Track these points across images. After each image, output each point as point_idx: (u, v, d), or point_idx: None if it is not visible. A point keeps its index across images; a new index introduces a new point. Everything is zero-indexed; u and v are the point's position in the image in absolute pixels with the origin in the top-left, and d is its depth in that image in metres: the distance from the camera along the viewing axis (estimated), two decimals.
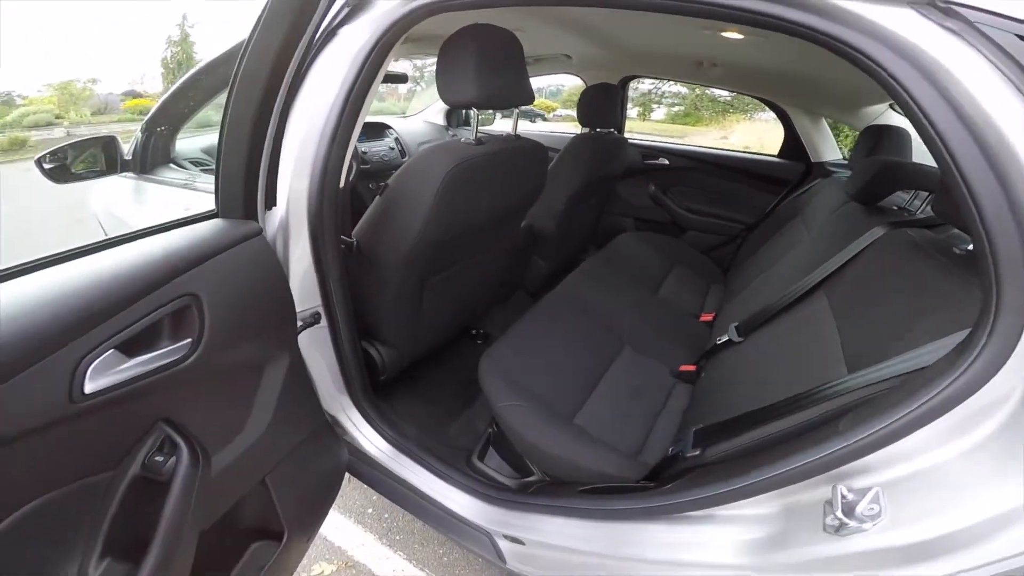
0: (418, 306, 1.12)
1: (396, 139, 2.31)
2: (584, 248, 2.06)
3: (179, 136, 1.57)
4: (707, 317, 1.53)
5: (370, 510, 1.56)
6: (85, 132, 13.61)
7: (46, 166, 1.34)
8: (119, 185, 1.54)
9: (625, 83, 2.16)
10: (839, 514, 0.58)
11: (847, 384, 0.66)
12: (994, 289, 0.47)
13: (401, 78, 2.22)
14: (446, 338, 1.39)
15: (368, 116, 0.92)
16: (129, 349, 0.53)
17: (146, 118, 1.50)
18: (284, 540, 0.87)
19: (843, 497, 0.59)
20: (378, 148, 2.19)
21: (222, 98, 1.54)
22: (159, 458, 0.61)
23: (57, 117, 15.17)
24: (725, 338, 1.17)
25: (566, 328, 1.24)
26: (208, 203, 1.11)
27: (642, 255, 1.75)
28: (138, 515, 0.62)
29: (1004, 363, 0.49)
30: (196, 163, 1.61)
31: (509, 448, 1.09)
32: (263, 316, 0.72)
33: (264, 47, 0.64)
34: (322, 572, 1.35)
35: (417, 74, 2.94)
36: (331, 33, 0.76)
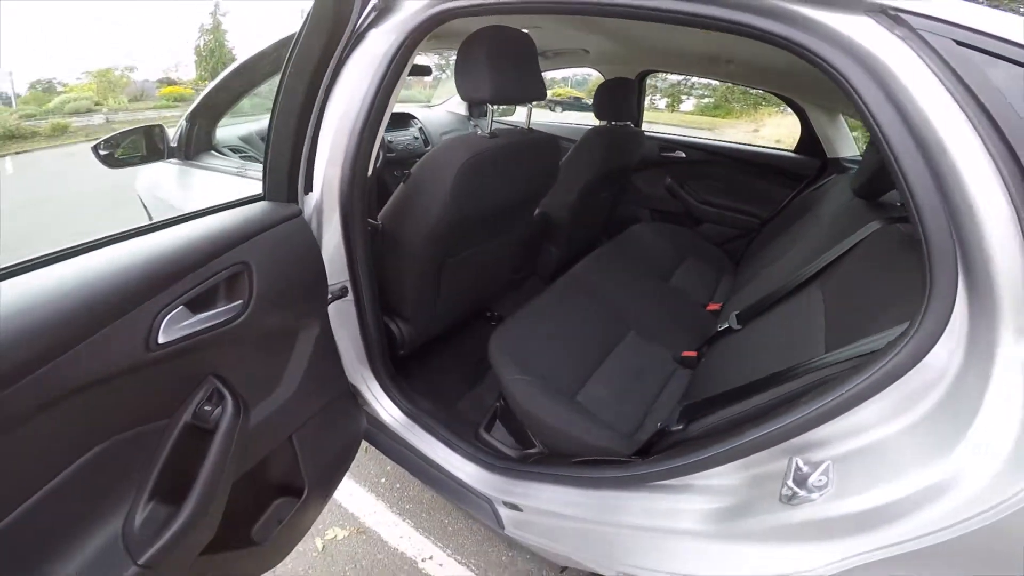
0: (436, 286, 1.22)
1: (420, 129, 2.42)
2: (598, 237, 2.12)
3: (219, 125, 1.70)
4: (714, 307, 1.58)
5: (383, 480, 1.69)
6: (123, 118, 14.21)
7: (101, 152, 1.47)
8: (163, 169, 1.68)
9: (642, 77, 2.20)
10: (790, 483, 0.63)
11: (816, 363, 0.71)
12: (928, 275, 0.53)
13: (425, 70, 2.32)
14: (461, 318, 1.48)
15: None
16: (194, 307, 0.64)
17: (190, 109, 1.63)
18: (304, 496, 0.95)
19: (798, 469, 0.63)
20: (403, 137, 2.31)
21: (258, 90, 1.66)
22: (207, 407, 0.71)
23: (96, 104, 15.82)
24: (726, 326, 1.23)
25: (573, 311, 1.31)
26: (244, 186, 1.24)
27: (654, 245, 1.80)
28: (184, 461, 0.71)
29: (935, 343, 0.54)
30: (234, 150, 1.74)
31: (514, 421, 1.18)
32: (300, 286, 0.83)
33: (307, 52, 0.74)
34: (335, 536, 1.48)
35: (443, 62, 3.03)
36: (360, 36, 0.85)
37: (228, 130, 1.78)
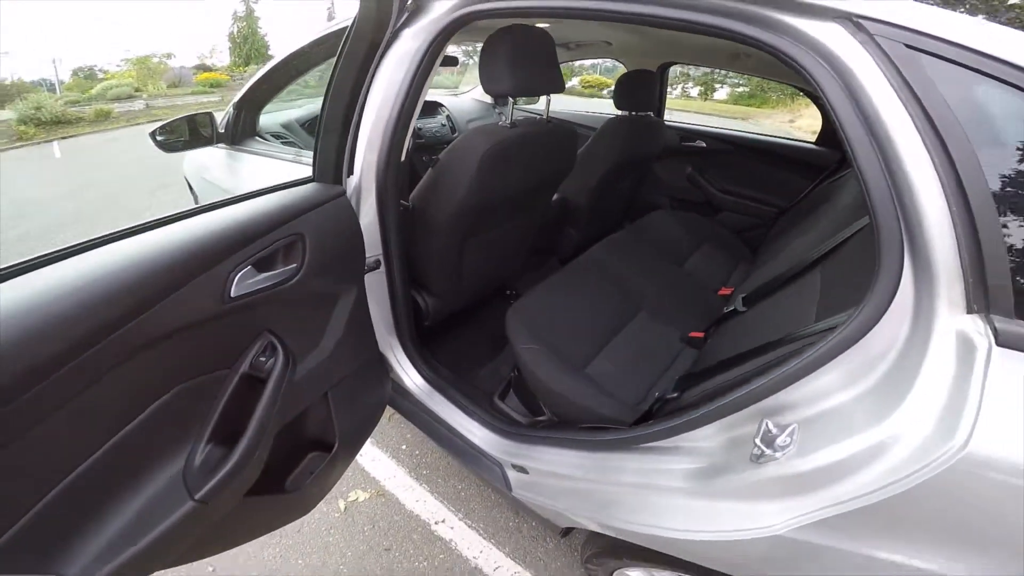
0: (459, 262, 1.33)
1: (447, 116, 2.54)
2: (618, 223, 2.18)
3: (262, 112, 1.85)
4: (726, 291, 1.63)
5: (404, 446, 1.82)
6: (162, 104, 14.72)
7: (158, 138, 1.63)
8: (210, 154, 1.84)
9: (664, 69, 2.24)
10: (758, 442, 0.69)
11: (798, 334, 0.78)
12: (878, 254, 0.59)
13: (452, 61, 2.43)
14: (482, 294, 1.59)
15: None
16: (259, 267, 0.78)
17: (236, 98, 1.78)
18: (334, 451, 1.05)
19: (767, 431, 0.69)
20: (431, 124, 2.44)
21: (297, 82, 1.79)
22: (262, 359, 0.83)
23: (136, 90, 16.36)
24: (732, 308, 1.30)
25: (587, 290, 1.40)
26: (288, 169, 1.38)
27: (671, 231, 1.85)
28: (239, 408, 0.81)
29: (881, 317, 0.59)
30: (276, 135, 1.89)
31: (526, 391, 1.29)
32: (342, 256, 0.96)
33: (352, 57, 0.87)
34: (357, 498, 1.62)
35: (471, 48, 3.13)
36: (395, 36, 0.95)
37: (270, 117, 1.93)
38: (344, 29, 0.90)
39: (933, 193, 0.53)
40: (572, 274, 1.45)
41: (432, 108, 2.53)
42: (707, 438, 0.80)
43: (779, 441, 0.68)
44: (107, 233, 0.71)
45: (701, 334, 1.36)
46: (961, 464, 0.52)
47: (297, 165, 1.48)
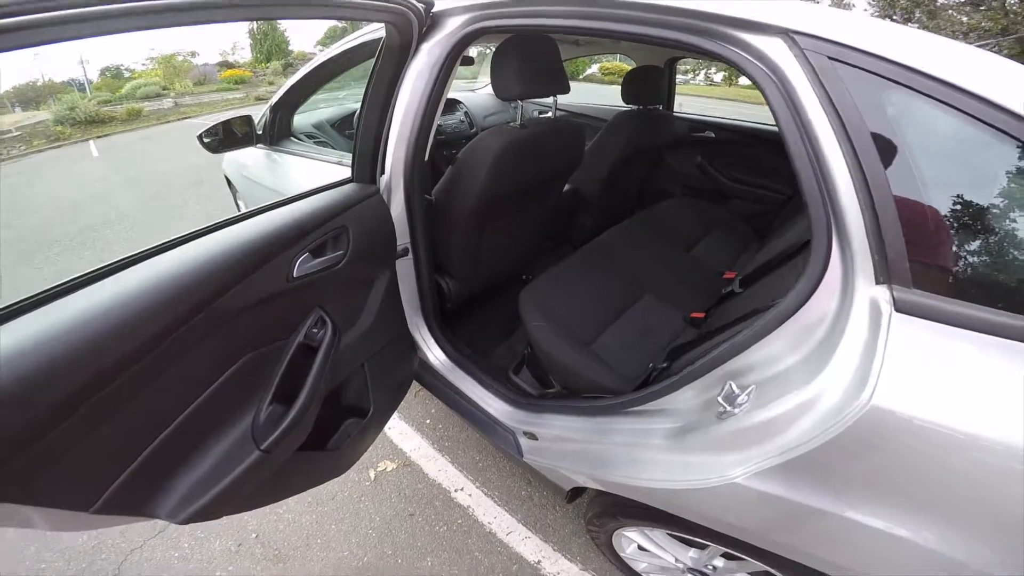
0: (478, 249, 1.48)
1: (465, 112, 2.69)
2: (630, 211, 2.28)
3: (296, 112, 2.03)
4: (730, 275, 1.69)
5: (428, 421, 2.00)
6: (189, 102, 15.20)
7: (205, 140, 1.81)
8: (248, 153, 2.03)
9: (672, 64, 2.32)
10: (721, 400, 0.78)
11: (764, 307, 0.86)
12: (812, 237, 0.67)
13: (468, 61, 2.58)
14: (500, 277, 1.73)
15: None
16: (314, 253, 0.95)
17: (271, 101, 1.96)
18: (369, 416, 1.18)
19: (730, 391, 0.77)
20: (451, 121, 2.60)
21: (328, 86, 1.96)
22: (315, 330, 0.99)
23: (164, 89, 16.94)
24: (730, 289, 1.40)
25: (595, 273, 1.52)
26: (324, 168, 1.56)
27: (680, 218, 1.94)
28: (295, 373, 0.94)
29: (814, 291, 0.68)
30: (309, 136, 2.08)
31: (538, 366, 1.43)
32: (377, 244, 1.13)
33: (382, 75, 1.04)
34: (385, 468, 1.80)
35: (487, 50, 3.26)
36: (416, 50, 1.09)
37: (302, 117, 2.12)
38: (368, 42, 1.05)
39: (847, 186, 0.63)
40: (582, 259, 1.58)
41: (451, 105, 2.68)
42: (684, 401, 0.90)
43: (739, 400, 0.77)
44: (195, 230, 0.85)
45: (702, 314, 1.45)
46: (868, 415, 0.60)
47: (329, 164, 1.66)
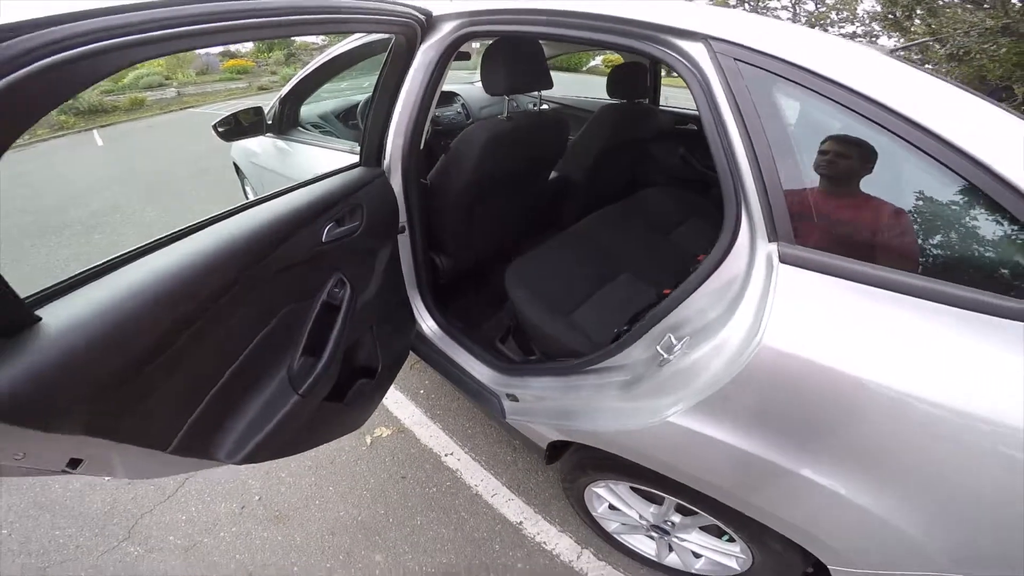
0: (469, 229, 1.65)
1: (462, 104, 2.88)
2: (615, 198, 2.41)
3: (303, 104, 2.21)
4: (702, 257, 1.87)
5: (422, 391, 2.17)
6: (193, 91, 15.38)
7: (219, 130, 1.99)
8: (256, 142, 2.21)
9: (656, 61, 2.45)
10: (660, 349, 0.91)
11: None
12: (724, 207, 0.82)
13: (465, 56, 2.76)
14: (489, 257, 1.89)
15: None
16: (338, 223, 1.12)
17: (281, 93, 2.14)
18: (377, 374, 1.31)
19: (669, 342, 0.90)
20: (448, 112, 2.79)
21: (333, 79, 2.15)
22: (336, 291, 1.14)
23: (167, 79, 17.18)
24: (697, 267, 1.55)
25: (577, 253, 1.66)
26: (329, 155, 1.74)
27: (661, 205, 2.07)
28: (321, 329, 1.07)
29: (727, 254, 0.82)
30: (315, 126, 2.26)
31: (522, 336, 1.59)
32: (383, 220, 1.30)
33: (389, 75, 1.23)
34: (382, 434, 1.96)
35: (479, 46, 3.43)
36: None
37: (309, 108, 2.29)
38: (370, 42, 1.22)
39: (747, 166, 0.79)
40: (566, 240, 1.73)
41: (449, 98, 2.86)
42: (635, 355, 1.03)
43: (675, 349, 0.89)
44: (240, 204, 0.98)
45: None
46: (761, 355, 0.73)
47: (334, 151, 1.84)
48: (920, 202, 0.75)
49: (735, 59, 0.81)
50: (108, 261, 0.76)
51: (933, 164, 0.69)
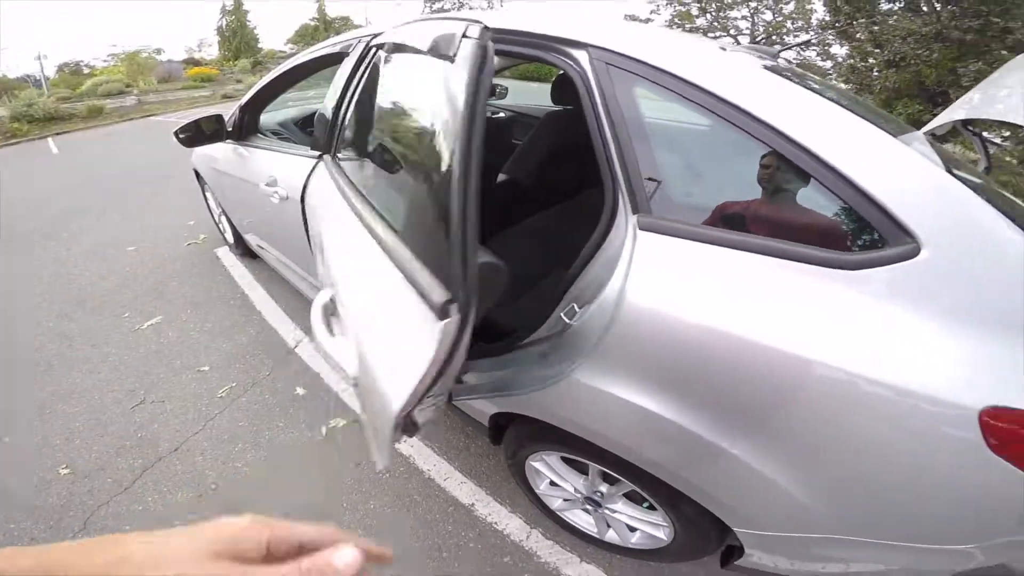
0: None
1: None
2: (564, 200, 2.50)
3: (263, 112, 2.34)
4: None
5: None
6: (154, 99, 15.15)
7: (181, 136, 2.12)
8: (215, 148, 2.31)
9: None
10: (564, 317, 1.03)
11: None
12: (605, 189, 0.98)
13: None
14: None
15: None
16: None
17: (241, 101, 2.27)
18: None
19: (572, 310, 1.03)
20: None
21: (295, 88, 2.30)
22: None
23: (127, 86, 16.84)
24: None
25: (521, 247, 1.81)
26: (288, 161, 1.87)
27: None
28: None
29: (611, 229, 0.98)
30: (274, 132, 2.38)
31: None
32: None
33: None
34: (336, 424, 2.01)
35: None
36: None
37: (268, 116, 2.42)
38: (328, 54, 1.38)
39: (615, 153, 0.96)
40: (510, 236, 1.88)
41: None
42: (550, 328, 1.15)
43: (577, 316, 1.02)
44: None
45: None
46: (624, 311, 0.88)
47: (296, 157, 1.95)
48: (750, 171, 0.92)
49: (606, 63, 0.99)
50: None
51: (752, 140, 0.87)
